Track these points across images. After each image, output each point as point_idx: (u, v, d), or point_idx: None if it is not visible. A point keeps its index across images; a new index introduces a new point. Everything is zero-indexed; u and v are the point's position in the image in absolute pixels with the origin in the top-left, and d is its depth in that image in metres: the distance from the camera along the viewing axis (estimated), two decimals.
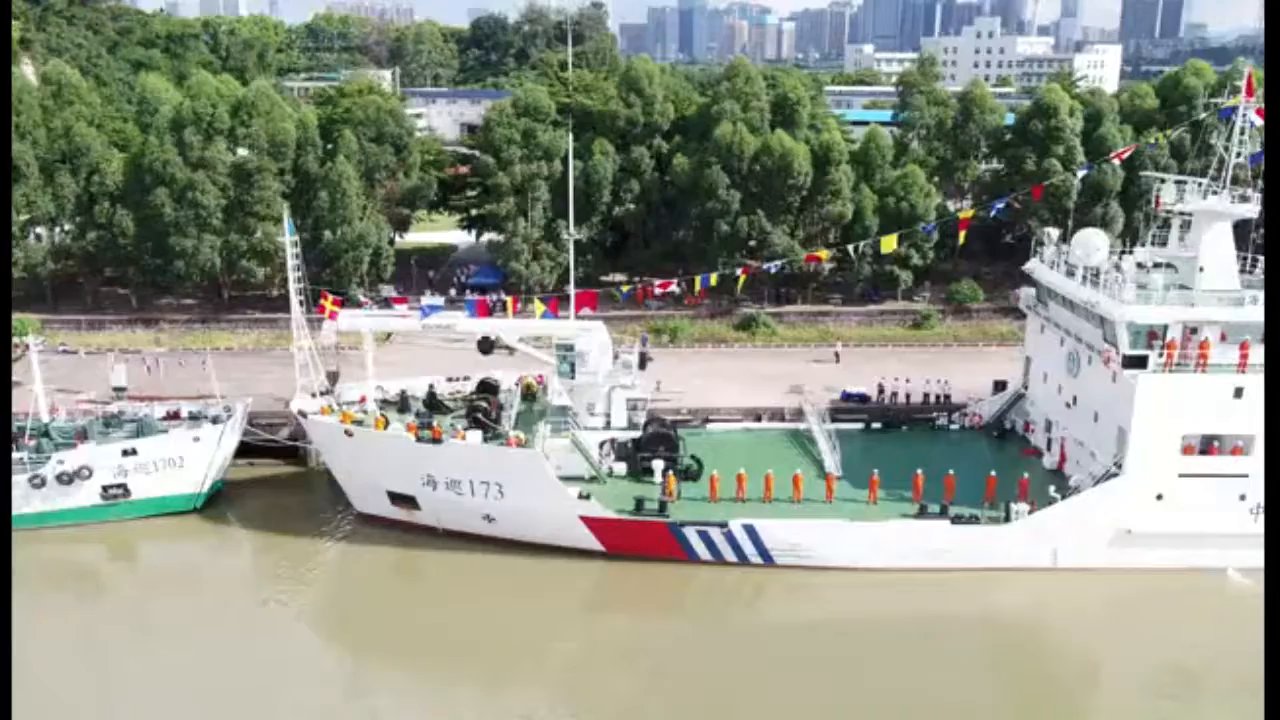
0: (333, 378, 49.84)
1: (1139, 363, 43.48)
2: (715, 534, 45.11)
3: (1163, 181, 48.55)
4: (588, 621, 44.96)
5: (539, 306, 49.61)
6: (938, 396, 57.95)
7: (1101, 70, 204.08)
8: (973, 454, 51.41)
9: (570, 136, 64.15)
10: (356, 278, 73.51)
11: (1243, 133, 47.20)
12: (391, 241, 79.39)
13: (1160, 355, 43.66)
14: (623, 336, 71.38)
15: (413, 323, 49.10)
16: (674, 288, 55.98)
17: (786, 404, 57.44)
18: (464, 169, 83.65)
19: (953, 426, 56.07)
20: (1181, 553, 44.81)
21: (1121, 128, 75.27)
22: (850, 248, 54.25)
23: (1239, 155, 47.57)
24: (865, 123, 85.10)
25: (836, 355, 67.70)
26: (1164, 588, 44.71)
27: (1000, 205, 56.43)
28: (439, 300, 51.83)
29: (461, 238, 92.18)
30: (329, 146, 73.98)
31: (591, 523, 45.57)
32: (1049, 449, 51.33)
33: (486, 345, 48.92)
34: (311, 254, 74.42)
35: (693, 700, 37.90)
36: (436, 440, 45.65)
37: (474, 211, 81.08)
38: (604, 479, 48.19)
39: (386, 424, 47.00)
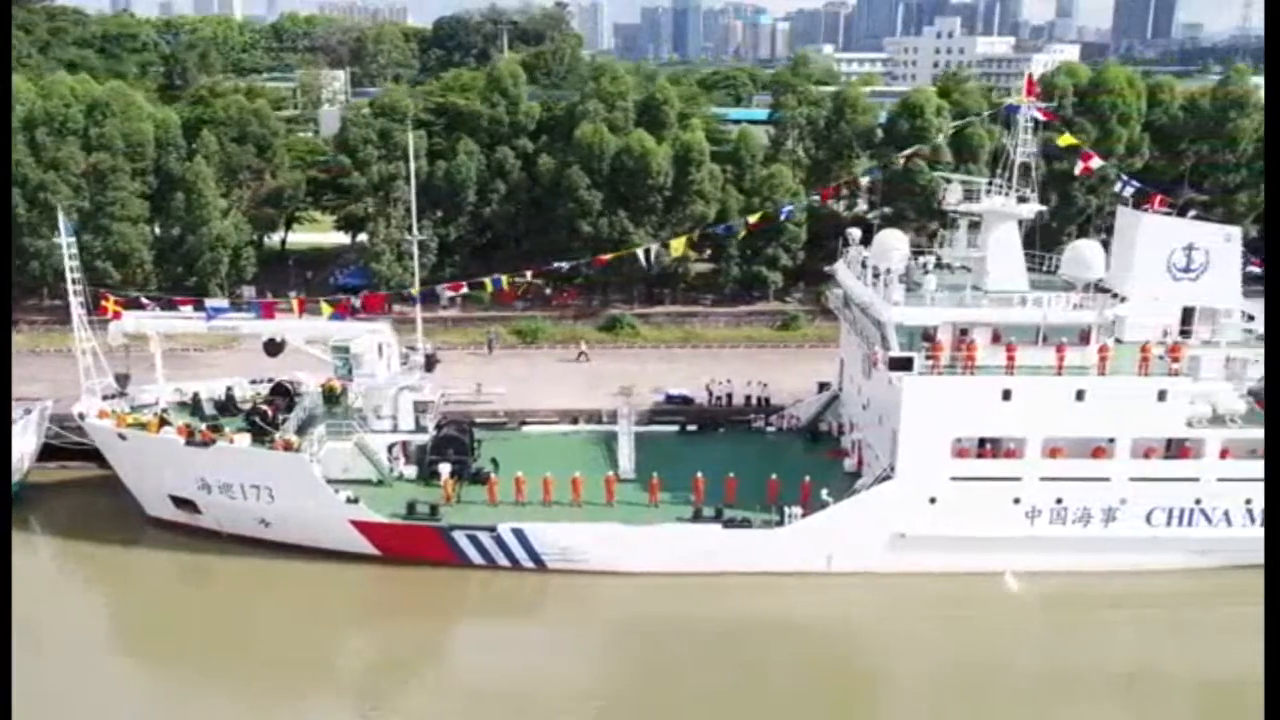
0: (122, 380, 49.41)
1: (904, 365, 43.01)
2: (485, 538, 44.72)
3: (948, 181, 48.03)
4: (369, 626, 44.52)
5: (325, 308, 49.21)
6: (758, 399, 57.42)
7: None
8: (780, 456, 51.00)
9: (411, 135, 63.67)
10: (216, 279, 73.15)
11: (1025, 131, 46.70)
12: (259, 243, 79.07)
13: (927, 357, 43.20)
14: (481, 337, 71.49)
15: (198, 324, 48.73)
16: (465, 289, 55.39)
17: (605, 406, 56.93)
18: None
19: (769, 429, 55.60)
20: (957, 556, 44.40)
21: (989, 128, 74.62)
22: (640, 251, 53.78)
23: (1026, 155, 47.10)
24: (738, 121, 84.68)
25: (583, 355, 67.65)
26: (939, 591, 44.28)
27: (790, 208, 55.84)
28: (223, 301, 51.47)
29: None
30: (192, 147, 73.64)
31: (363, 527, 45.20)
32: (853, 451, 50.89)
33: (273, 347, 48.52)
34: (175, 255, 74.64)
35: (488, 702, 37.77)
36: (205, 443, 45.34)
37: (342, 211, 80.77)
38: (390, 482, 47.85)
39: (161, 426, 46.63)
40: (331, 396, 51.34)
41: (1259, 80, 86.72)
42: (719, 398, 57.98)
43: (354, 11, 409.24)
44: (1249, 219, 77.26)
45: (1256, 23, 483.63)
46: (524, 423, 55.87)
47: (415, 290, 57.48)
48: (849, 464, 49.99)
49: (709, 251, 78.97)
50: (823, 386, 56.83)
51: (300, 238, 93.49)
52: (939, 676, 40.12)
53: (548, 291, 78.28)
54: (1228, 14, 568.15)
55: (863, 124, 77.43)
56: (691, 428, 55.44)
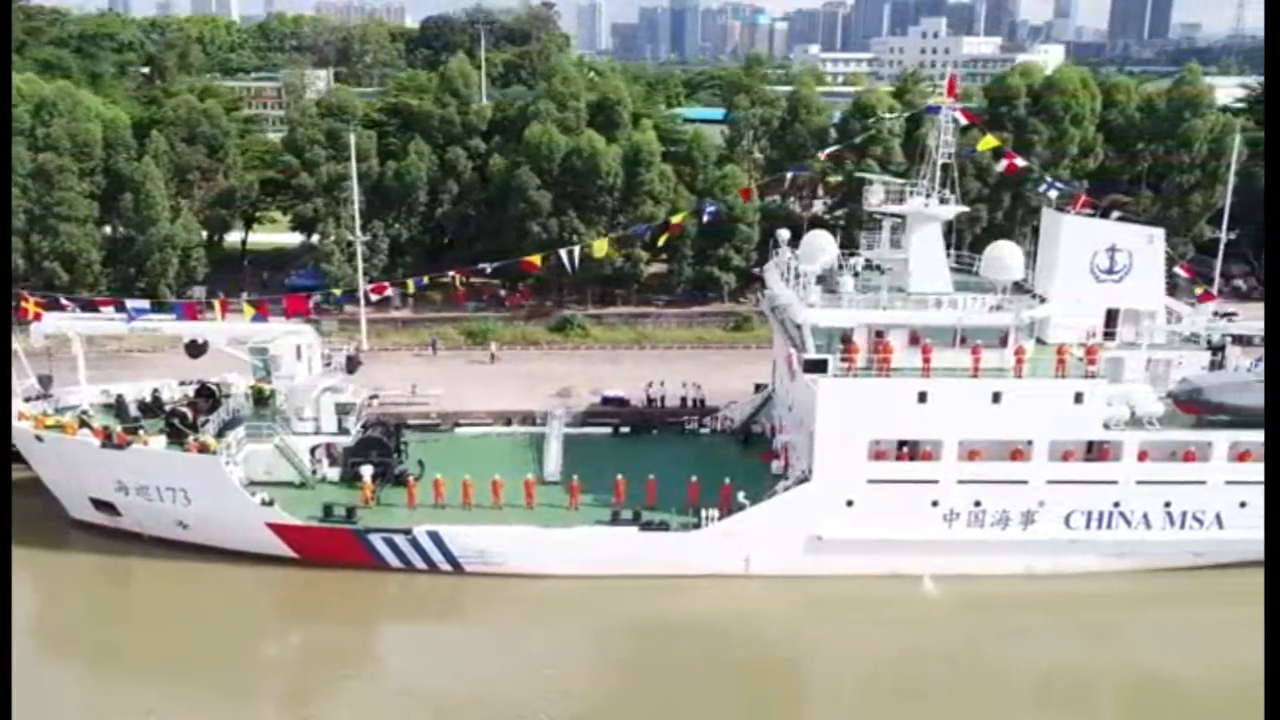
0: (45, 381, 49.24)
1: (819, 367, 42.78)
2: (401, 541, 44.49)
3: (870, 182, 47.83)
4: (293, 628, 44.36)
5: (248, 310, 49.06)
6: (693, 400, 57.22)
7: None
8: (711, 458, 50.79)
9: (354, 136, 63.48)
10: (166, 280, 72.98)
11: (946, 132, 46.49)
12: (217, 243, 78.87)
13: (842, 359, 42.98)
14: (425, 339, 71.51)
15: (119, 326, 48.60)
16: (389, 291, 55.24)
17: (542, 408, 56.68)
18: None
19: (703, 430, 55.36)
20: (875, 559, 44.18)
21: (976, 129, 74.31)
22: (563, 252, 53.46)
23: (948, 155, 46.90)
24: (696, 121, 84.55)
25: (493, 356, 67.55)
26: (858, 594, 43.95)
27: (712, 209, 55.70)
28: (144, 303, 51.24)
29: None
30: (142, 147, 73.53)
31: (279, 529, 44.99)
32: (781, 454, 50.62)
33: (195, 349, 48.37)
34: (126, 256, 74.54)
35: (415, 705, 37.67)
36: (120, 446, 45.15)
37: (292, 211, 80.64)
38: (313, 484, 47.65)
39: (81, 428, 46.44)
40: (261, 398, 51.13)
41: (1215, 80, 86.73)
42: (654, 399, 57.74)
43: (350, 12, 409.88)
44: (1204, 219, 77.10)
45: (1250, 23, 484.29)
46: (457, 424, 55.63)
47: (340, 291, 57.27)
48: (776, 466, 49.66)
49: (665, 255, 78.85)
50: (759, 388, 56.55)
51: (262, 238, 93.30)
52: (858, 680, 39.82)
53: (502, 293, 78.25)
54: (1225, 14, 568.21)
55: (816, 124, 77.17)
56: (625, 430, 55.18)
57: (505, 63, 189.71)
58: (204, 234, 76.73)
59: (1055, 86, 75.49)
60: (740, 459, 51.35)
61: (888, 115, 70.28)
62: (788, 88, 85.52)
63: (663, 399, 57.63)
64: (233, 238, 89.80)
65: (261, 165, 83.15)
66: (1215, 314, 53.69)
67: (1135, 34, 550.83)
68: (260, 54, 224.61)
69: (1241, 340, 50.10)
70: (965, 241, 66.39)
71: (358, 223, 58.94)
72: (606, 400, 58.15)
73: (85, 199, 71.48)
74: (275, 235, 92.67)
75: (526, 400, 58.97)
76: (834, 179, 77.88)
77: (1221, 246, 65.41)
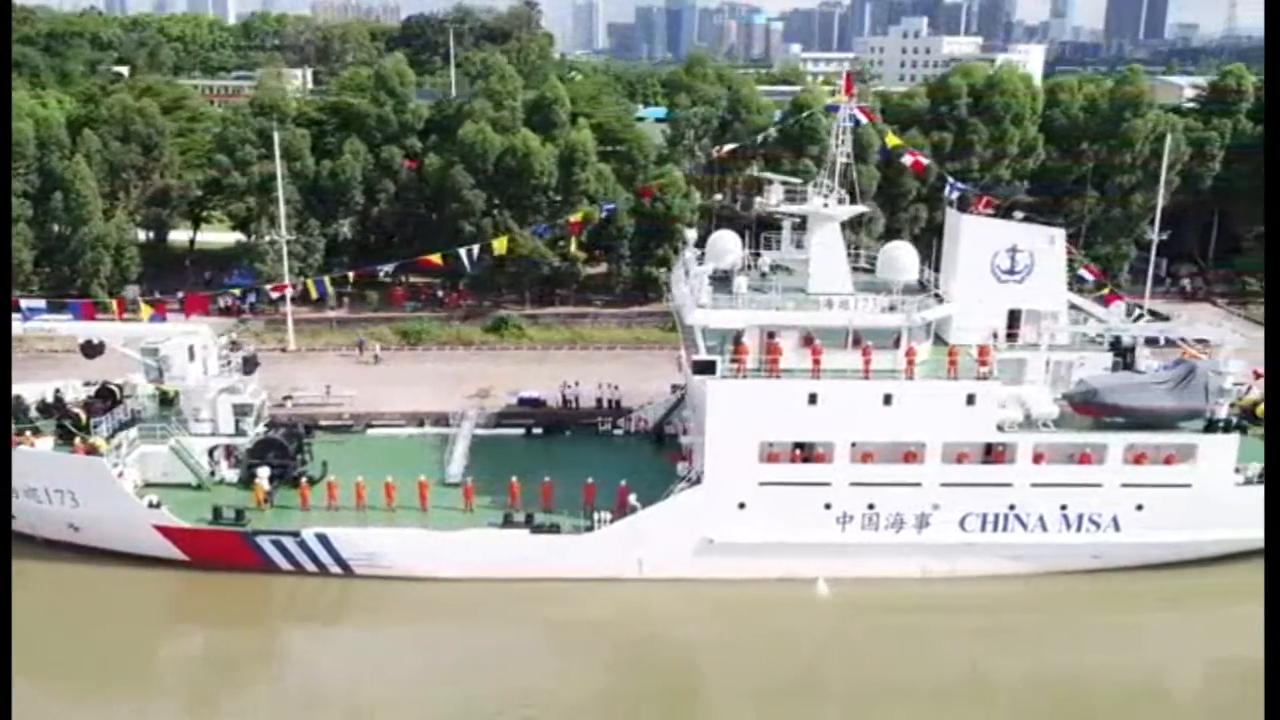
0: None
1: (708, 368, 42.31)
2: (289, 543, 44.03)
3: (770, 182, 47.37)
4: (191, 633, 43.68)
5: (145, 310, 48.61)
6: (608, 401, 56.76)
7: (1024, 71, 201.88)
8: (622, 459, 50.28)
9: (277, 135, 63.02)
10: (99, 279, 72.57)
11: (845, 131, 46.02)
12: (160, 242, 78.48)
13: (731, 360, 42.51)
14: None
15: (15, 326, 48.11)
16: (289, 291, 54.78)
17: (454, 408, 56.23)
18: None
19: (617, 431, 54.88)
20: (769, 562, 43.72)
21: (880, 129, 73.92)
22: (463, 251, 52.93)
23: (846, 155, 46.43)
24: (661, 120, 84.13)
25: (375, 357, 67.26)
26: (751, 598, 43.39)
27: (611, 207, 55.18)
28: (40, 303, 50.81)
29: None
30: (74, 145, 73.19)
31: (168, 532, 44.54)
32: (689, 455, 50.14)
33: (91, 349, 47.96)
34: (61, 255, 74.16)
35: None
36: None
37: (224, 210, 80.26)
38: (209, 486, 47.22)
39: None
40: (165, 399, 50.63)
41: (1201, 80, 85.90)
42: (569, 400, 57.30)
43: (348, 11, 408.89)
44: (1146, 220, 76.58)
45: (1244, 23, 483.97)
46: (369, 425, 55.21)
47: (240, 291, 56.40)
48: (682, 468, 49.11)
49: (604, 256, 78.48)
50: (675, 388, 56.08)
51: (211, 237, 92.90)
52: (751, 683, 39.15)
53: (440, 293, 77.86)
54: (1222, 14, 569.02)
55: (757, 123, 76.66)
56: (538, 431, 54.73)
57: (484, 61, 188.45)
58: (140, 233, 76.22)
59: (996, 86, 74.97)
60: (651, 460, 50.82)
61: (779, 119, 69.66)
62: (784, 86, 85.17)
63: (577, 399, 57.14)
64: (181, 237, 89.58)
65: (207, 164, 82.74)
66: (1136, 308, 53.31)
67: (1131, 34, 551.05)
68: (242, 53, 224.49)
69: (1153, 342, 49.69)
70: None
71: (283, 221, 58.48)
72: (523, 401, 57.63)
73: (16, 198, 70.98)
74: (223, 235, 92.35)
75: (446, 401, 58.48)
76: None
77: (1154, 247, 64.94)
